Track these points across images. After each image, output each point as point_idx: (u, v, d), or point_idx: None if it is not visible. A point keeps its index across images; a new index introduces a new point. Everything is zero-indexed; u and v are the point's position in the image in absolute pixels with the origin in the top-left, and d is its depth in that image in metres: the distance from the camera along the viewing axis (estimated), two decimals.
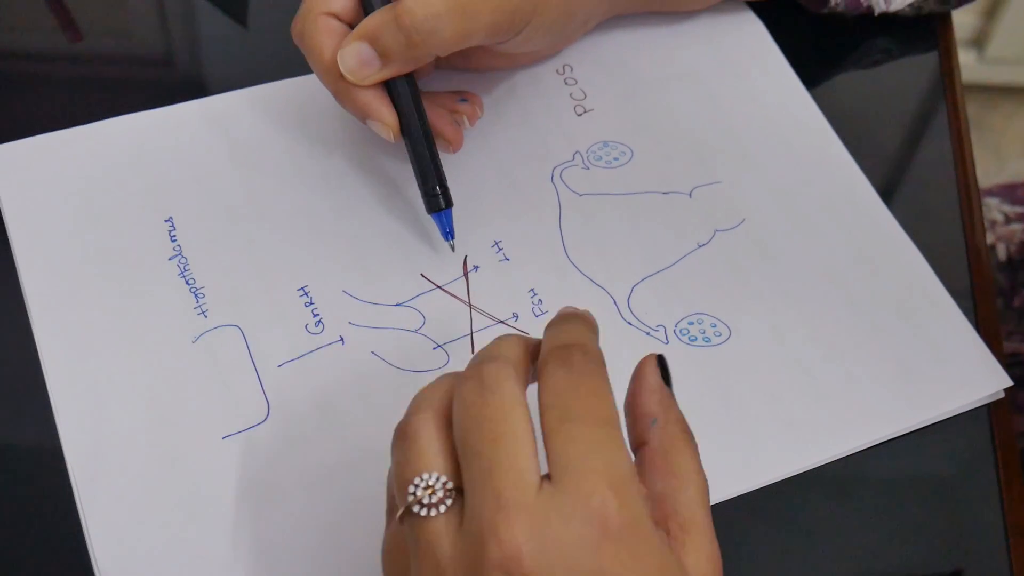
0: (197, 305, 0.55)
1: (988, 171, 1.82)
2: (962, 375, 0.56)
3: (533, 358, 0.45)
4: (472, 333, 0.55)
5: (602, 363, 0.44)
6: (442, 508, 0.40)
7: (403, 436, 0.43)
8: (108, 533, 0.49)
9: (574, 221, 0.59)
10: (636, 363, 0.52)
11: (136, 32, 0.69)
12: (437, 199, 0.56)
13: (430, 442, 0.42)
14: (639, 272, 0.58)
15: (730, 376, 0.55)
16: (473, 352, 0.55)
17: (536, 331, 0.55)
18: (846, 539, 0.52)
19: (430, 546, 0.40)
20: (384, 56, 0.53)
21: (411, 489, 0.41)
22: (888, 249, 0.60)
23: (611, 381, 0.51)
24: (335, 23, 0.55)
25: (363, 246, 0.58)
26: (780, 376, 0.55)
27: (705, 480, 0.44)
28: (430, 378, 0.53)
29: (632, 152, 0.62)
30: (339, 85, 0.55)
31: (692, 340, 0.56)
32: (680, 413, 0.46)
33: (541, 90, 0.64)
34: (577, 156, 0.62)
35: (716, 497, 0.52)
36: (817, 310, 0.57)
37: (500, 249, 0.58)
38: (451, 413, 0.42)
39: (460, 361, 0.54)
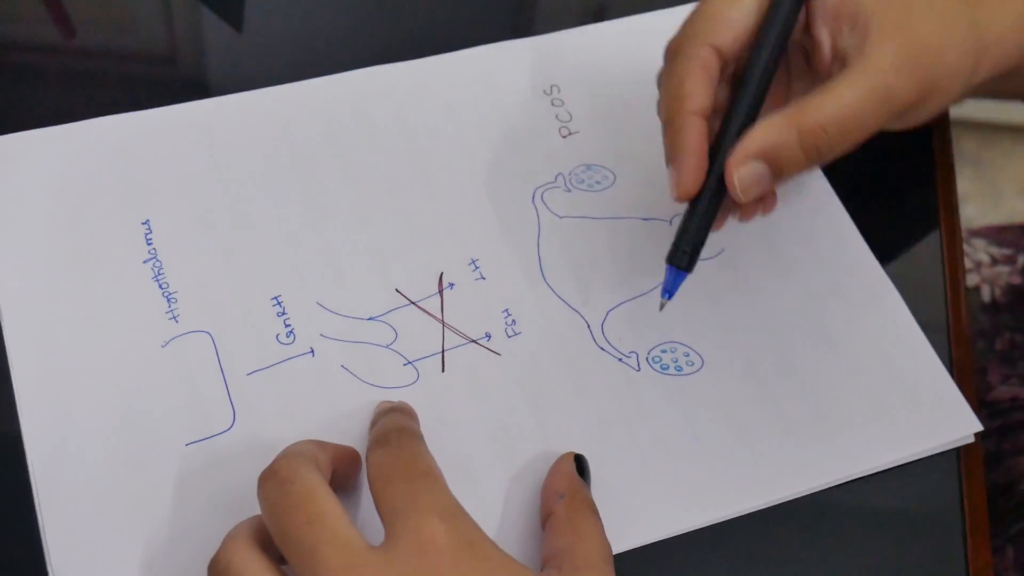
0: (169, 310, 0.55)
1: (985, 207, 1.83)
2: (933, 417, 0.56)
3: (336, 461, 0.48)
4: (444, 351, 0.55)
5: (417, 436, 0.48)
6: None
7: (215, 572, 0.43)
8: (65, 534, 0.49)
9: (553, 243, 0.59)
10: (608, 388, 0.55)
11: (130, 29, 0.69)
12: (684, 257, 0.53)
13: (245, 563, 0.42)
14: (615, 297, 0.58)
15: (700, 407, 0.55)
16: (444, 370, 0.55)
17: (509, 352, 0.55)
18: (811, 574, 0.52)
19: None
20: (778, 172, 0.51)
21: None
22: (866, 287, 0.59)
23: (581, 409, 0.52)
24: (714, 66, 0.52)
25: (339, 258, 0.57)
26: (750, 409, 0.55)
27: (607, 544, 0.47)
28: (398, 394, 0.54)
29: (615, 177, 0.62)
30: (679, 122, 0.52)
31: (664, 368, 0.56)
32: (588, 494, 0.49)
33: (527, 110, 0.64)
34: (560, 178, 0.62)
35: (681, 527, 0.52)
36: (792, 345, 0.57)
37: (477, 267, 0.58)
38: (263, 534, 0.43)
39: (429, 378, 0.54)
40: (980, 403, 0.77)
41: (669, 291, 0.54)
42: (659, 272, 0.58)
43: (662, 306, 0.55)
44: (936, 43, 0.52)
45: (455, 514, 0.43)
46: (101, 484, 0.50)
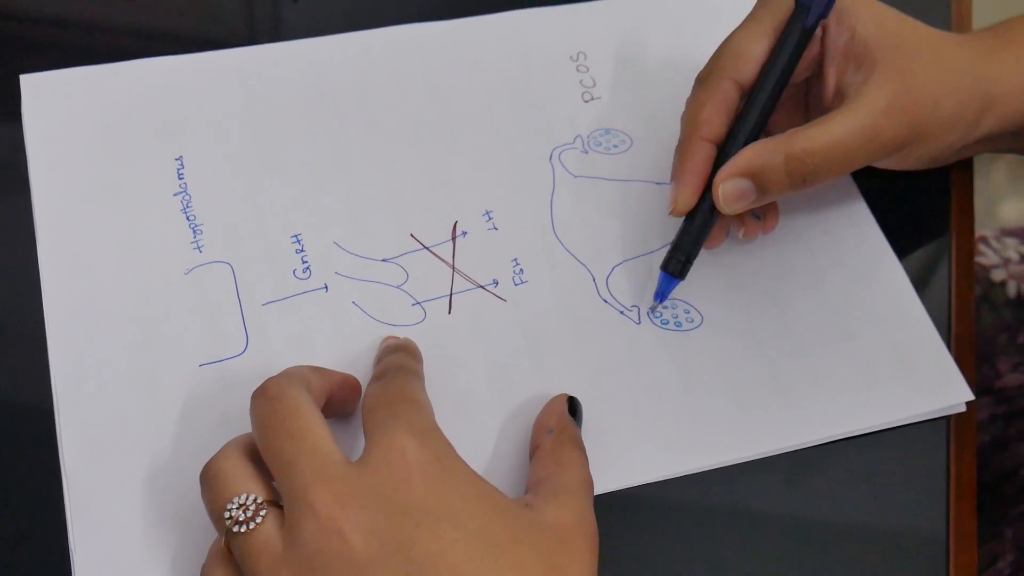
0: (194, 240, 0.58)
1: (980, 212, 1.79)
2: (925, 384, 0.57)
3: (334, 387, 0.50)
4: (451, 294, 0.57)
5: (412, 373, 0.50)
6: (259, 519, 0.43)
7: (204, 478, 0.45)
8: (79, 441, 0.51)
9: (566, 200, 0.61)
10: (607, 338, 0.58)
11: None
12: (679, 265, 0.56)
13: (233, 471, 0.45)
14: (621, 254, 0.60)
15: (696, 361, 0.56)
16: (450, 312, 0.57)
17: (514, 299, 0.57)
18: (790, 528, 0.54)
19: (260, 554, 0.42)
20: (762, 190, 0.54)
21: (226, 515, 0.43)
22: (869, 257, 0.61)
23: (579, 356, 0.56)
24: (733, 98, 0.56)
25: (359, 202, 0.60)
26: (745, 366, 0.57)
27: (588, 476, 0.49)
28: (405, 332, 0.56)
29: (632, 141, 0.64)
30: (689, 145, 0.56)
31: (664, 324, 0.58)
32: (576, 431, 0.51)
33: (553, 74, 0.66)
34: (578, 140, 0.64)
35: (666, 472, 0.53)
36: (791, 307, 0.59)
37: (490, 218, 0.60)
38: (255, 448, 0.46)
39: (436, 319, 0.56)
40: (988, 390, 0.78)
41: (661, 295, 0.57)
42: (666, 233, 0.60)
43: (653, 308, 0.58)
44: (934, 92, 0.55)
45: (428, 432, 0.45)
46: (117, 396, 0.53)
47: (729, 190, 0.54)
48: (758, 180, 0.54)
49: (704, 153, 0.55)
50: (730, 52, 0.56)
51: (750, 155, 0.54)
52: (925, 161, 0.59)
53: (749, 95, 0.56)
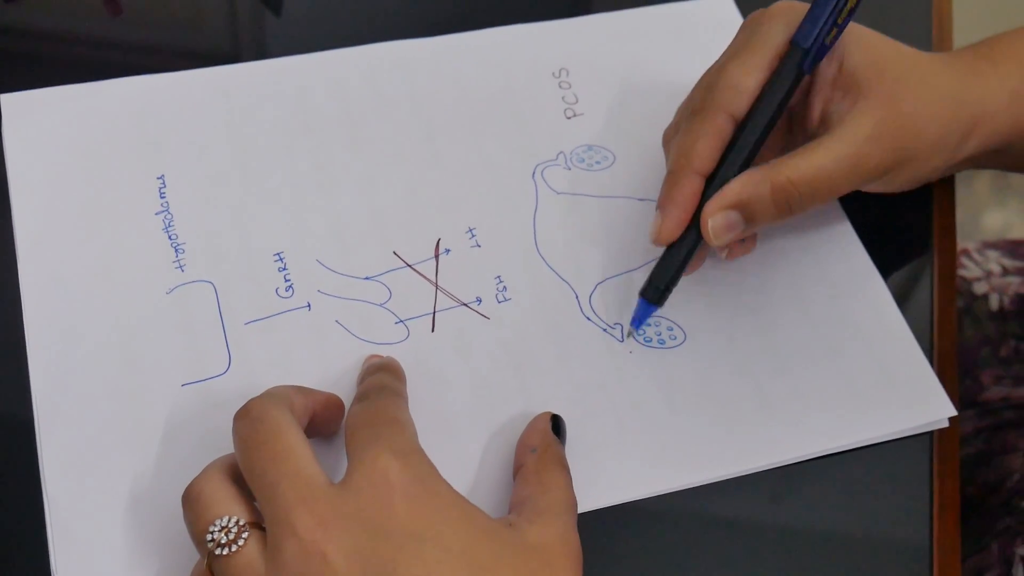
0: (176, 259, 0.58)
1: (963, 222, 1.80)
2: (908, 401, 0.57)
3: (317, 407, 0.50)
4: (435, 312, 0.57)
5: (395, 393, 0.50)
6: (241, 541, 0.43)
7: (187, 500, 0.45)
8: (61, 461, 0.51)
9: (548, 217, 0.61)
10: (590, 356, 0.57)
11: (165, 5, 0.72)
12: (657, 293, 0.56)
13: (215, 493, 0.45)
14: (604, 271, 0.60)
15: (679, 378, 0.56)
16: (433, 330, 0.57)
17: (498, 316, 0.57)
18: (774, 543, 0.54)
19: None
20: (750, 220, 0.54)
21: (208, 538, 0.43)
22: (852, 273, 0.61)
23: (563, 374, 0.56)
24: (727, 132, 0.55)
25: (342, 220, 0.60)
26: (729, 383, 0.57)
27: (572, 496, 0.49)
28: (388, 350, 0.56)
29: (615, 157, 0.64)
30: (680, 177, 0.55)
31: (647, 341, 0.58)
32: (560, 450, 0.51)
33: (536, 91, 0.66)
34: (561, 156, 0.64)
35: (651, 490, 0.53)
36: (774, 324, 0.59)
37: (473, 235, 0.60)
38: (237, 469, 0.46)
39: (419, 337, 0.56)
40: (972, 403, 0.78)
41: (638, 321, 0.57)
42: (649, 250, 0.60)
43: (630, 333, 0.58)
44: (919, 118, 0.56)
45: (410, 453, 0.45)
46: (99, 416, 0.53)
47: (718, 223, 0.54)
48: (745, 211, 0.54)
49: (694, 187, 0.55)
50: (725, 85, 0.55)
51: (738, 187, 0.54)
52: (909, 184, 0.59)
53: (740, 129, 0.55)
